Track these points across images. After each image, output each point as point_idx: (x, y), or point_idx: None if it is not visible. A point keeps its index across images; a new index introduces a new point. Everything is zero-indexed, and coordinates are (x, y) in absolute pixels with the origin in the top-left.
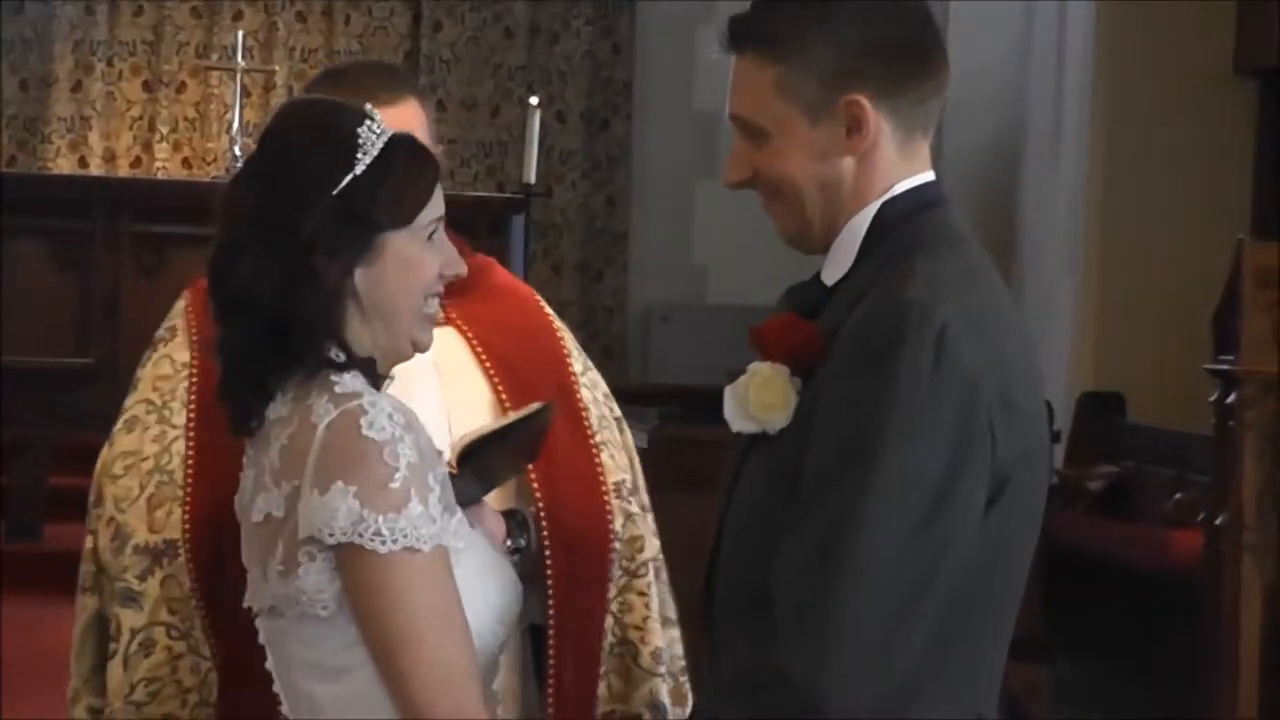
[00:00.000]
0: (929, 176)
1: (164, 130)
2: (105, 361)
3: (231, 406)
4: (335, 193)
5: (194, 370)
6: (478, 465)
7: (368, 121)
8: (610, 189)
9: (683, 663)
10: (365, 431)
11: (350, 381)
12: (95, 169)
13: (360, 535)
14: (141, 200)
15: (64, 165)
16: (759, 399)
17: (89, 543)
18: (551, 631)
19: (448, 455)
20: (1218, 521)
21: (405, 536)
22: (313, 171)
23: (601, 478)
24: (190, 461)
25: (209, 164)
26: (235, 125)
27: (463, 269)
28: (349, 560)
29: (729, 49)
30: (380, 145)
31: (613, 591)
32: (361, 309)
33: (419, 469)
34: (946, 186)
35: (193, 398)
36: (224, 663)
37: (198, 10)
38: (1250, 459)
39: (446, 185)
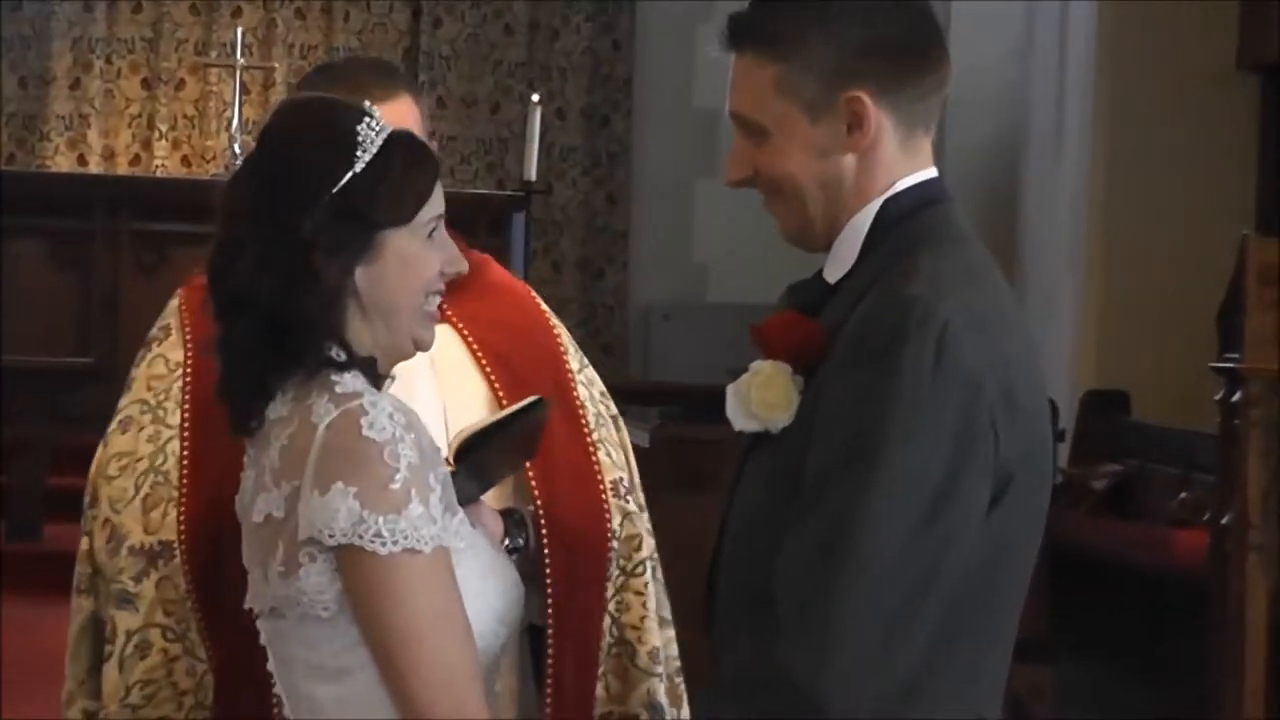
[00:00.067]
0: (931, 173)
1: (163, 128)
2: (105, 361)
3: (231, 406)
4: (335, 190)
5: (188, 369)
6: (474, 463)
7: (367, 119)
8: (611, 186)
9: (678, 663)
10: (366, 432)
11: (351, 381)
12: (94, 167)
13: (360, 536)
14: (141, 198)
15: (63, 163)
16: (761, 397)
17: (84, 544)
18: (550, 632)
19: (444, 453)
20: (1223, 521)
21: (406, 538)
22: (312, 169)
23: (599, 476)
24: (185, 462)
25: (208, 162)
26: (234, 123)
27: (464, 267)
28: (349, 561)
29: (728, 47)
30: (380, 143)
31: (610, 591)
32: (362, 307)
33: (420, 469)
34: (948, 185)
35: (187, 397)
36: (220, 665)
37: (196, 7)
38: (1255, 457)
39: (446, 182)
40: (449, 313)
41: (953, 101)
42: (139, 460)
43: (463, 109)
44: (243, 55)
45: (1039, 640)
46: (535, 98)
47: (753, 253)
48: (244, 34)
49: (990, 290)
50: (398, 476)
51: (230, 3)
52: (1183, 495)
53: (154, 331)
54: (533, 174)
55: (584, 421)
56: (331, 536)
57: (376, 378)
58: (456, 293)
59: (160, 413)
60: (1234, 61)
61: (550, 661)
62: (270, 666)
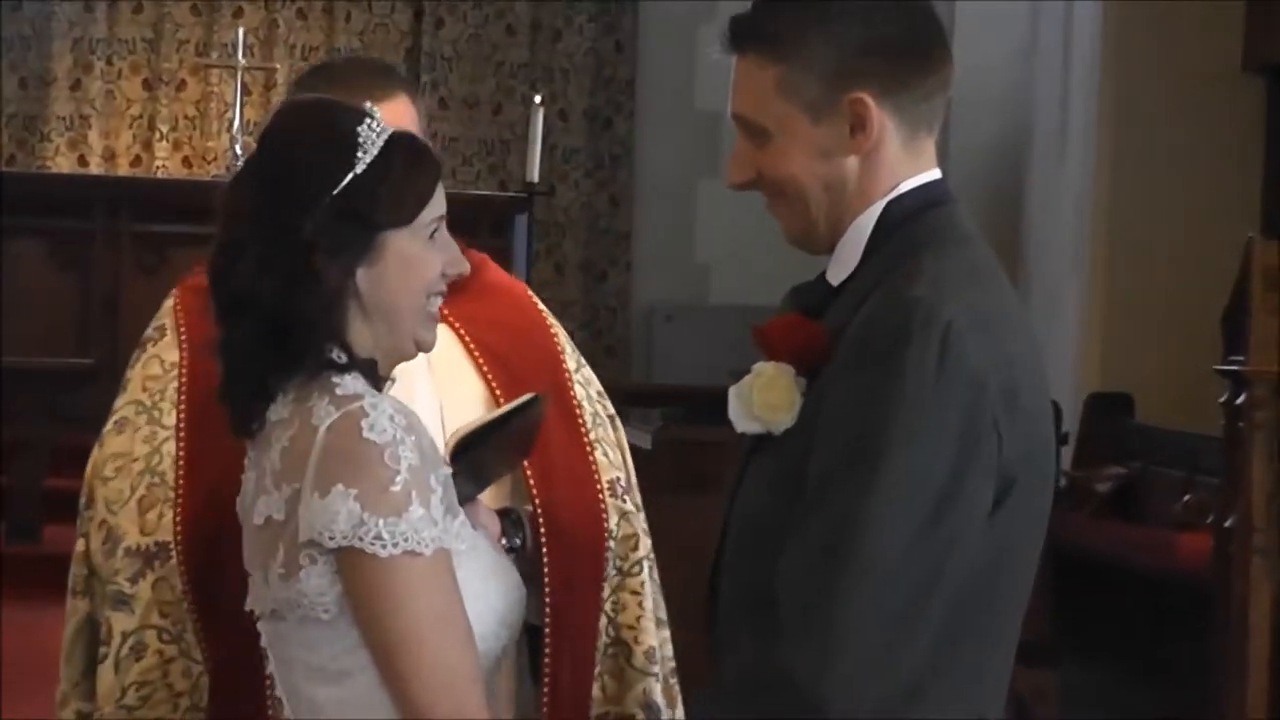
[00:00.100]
0: (935, 174)
1: (164, 129)
2: (105, 361)
3: (232, 408)
4: (336, 192)
5: (183, 370)
6: (471, 461)
7: (368, 120)
8: (613, 188)
9: (673, 664)
10: (366, 434)
11: (351, 383)
12: (95, 168)
13: (361, 539)
14: (141, 199)
15: (63, 164)
16: (763, 399)
17: (80, 546)
18: (548, 632)
19: (441, 452)
20: (1227, 523)
21: (406, 540)
22: (313, 171)
23: (596, 475)
24: (181, 462)
25: (209, 163)
26: (236, 124)
27: (465, 268)
28: (349, 564)
29: (730, 49)
30: (381, 144)
31: (606, 591)
32: (364, 309)
33: (420, 471)
34: (952, 186)
35: (183, 398)
36: (216, 666)
37: (197, 8)
38: (1260, 460)
39: (448, 184)
40: (446, 313)
41: (957, 102)
42: (135, 461)
43: (465, 110)
44: (244, 56)
45: (1042, 642)
46: (537, 99)
47: (755, 254)
48: (245, 35)
49: (994, 291)
50: (398, 479)
51: (231, 3)
52: (1187, 498)
53: (149, 332)
54: (535, 175)
55: (581, 421)
56: (332, 539)
57: (377, 379)
58: (454, 293)
59: (156, 413)
60: (1239, 63)
61: (547, 661)
62: (271, 669)
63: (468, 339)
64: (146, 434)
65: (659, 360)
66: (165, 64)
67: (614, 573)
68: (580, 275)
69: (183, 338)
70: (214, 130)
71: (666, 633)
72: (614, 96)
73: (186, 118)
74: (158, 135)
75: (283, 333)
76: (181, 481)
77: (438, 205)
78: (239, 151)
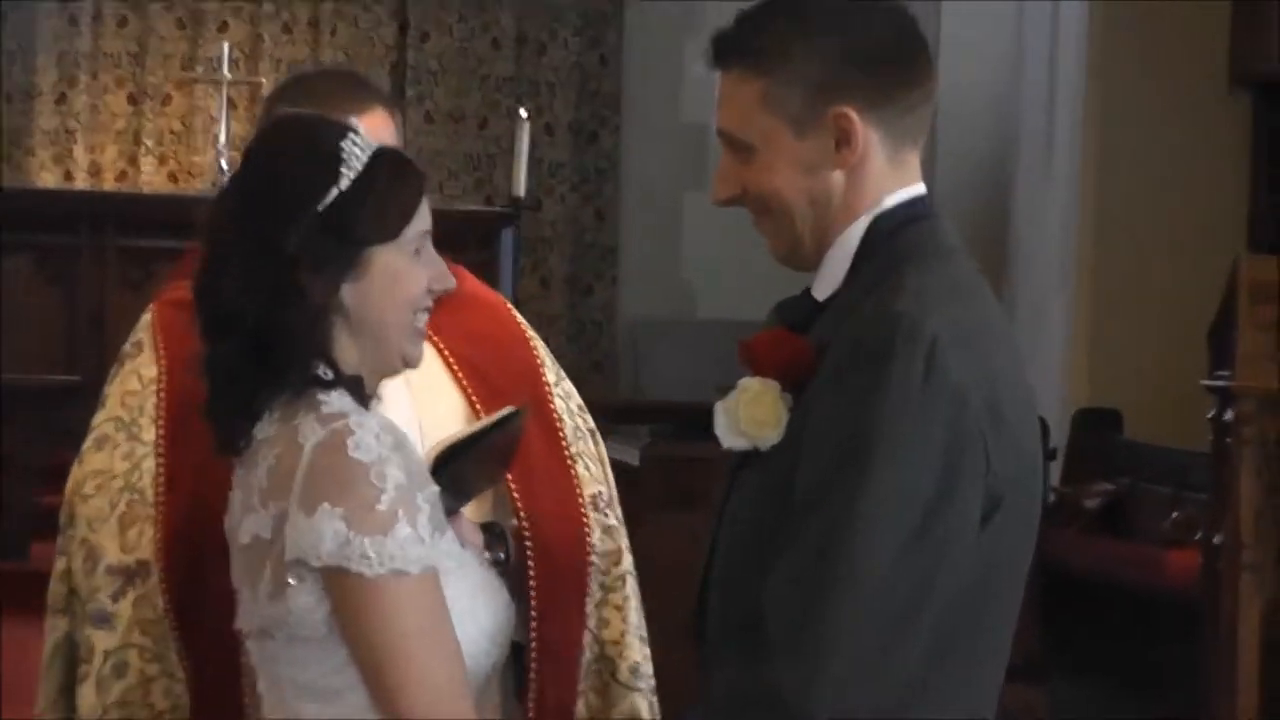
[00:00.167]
0: (919, 189)
1: (149, 143)
2: (91, 378)
3: (218, 426)
4: (320, 208)
5: (162, 385)
6: (452, 476)
7: (351, 136)
8: (599, 202)
9: (653, 681)
10: (352, 453)
11: (337, 400)
12: (80, 183)
13: (347, 558)
14: (127, 214)
15: (48, 179)
16: (750, 415)
17: (61, 564)
18: (533, 648)
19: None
20: (1215, 540)
21: (393, 559)
22: (297, 187)
23: (578, 490)
24: (161, 479)
25: (195, 177)
26: (221, 138)
27: (452, 283)
28: (336, 583)
29: (714, 64)
30: (365, 160)
31: (590, 607)
32: (350, 325)
33: (407, 489)
34: (939, 198)
35: (162, 413)
36: (197, 685)
37: (183, 22)
38: (1248, 476)
39: (434, 198)
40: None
41: (943, 114)
42: (114, 478)
43: (450, 124)
44: (229, 70)
45: (1031, 659)
46: (523, 113)
47: (742, 268)
48: (230, 49)
49: (977, 305)
50: (384, 497)
51: (216, 18)
52: (1175, 514)
53: (127, 347)
54: (521, 189)
55: (561, 435)
56: (318, 558)
57: (363, 396)
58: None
59: (135, 429)
60: (1226, 76)
61: (532, 678)
62: (260, 688)
63: (446, 352)
64: (126, 450)
65: (646, 375)
66: (150, 78)
67: (597, 588)
68: (566, 290)
69: (161, 353)
70: (199, 145)
71: (648, 650)
72: (599, 110)
73: (172, 132)
74: (143, 150)
75: (268, 349)
76: (162, 498)
77: (423, 220)
78: (225, 166)
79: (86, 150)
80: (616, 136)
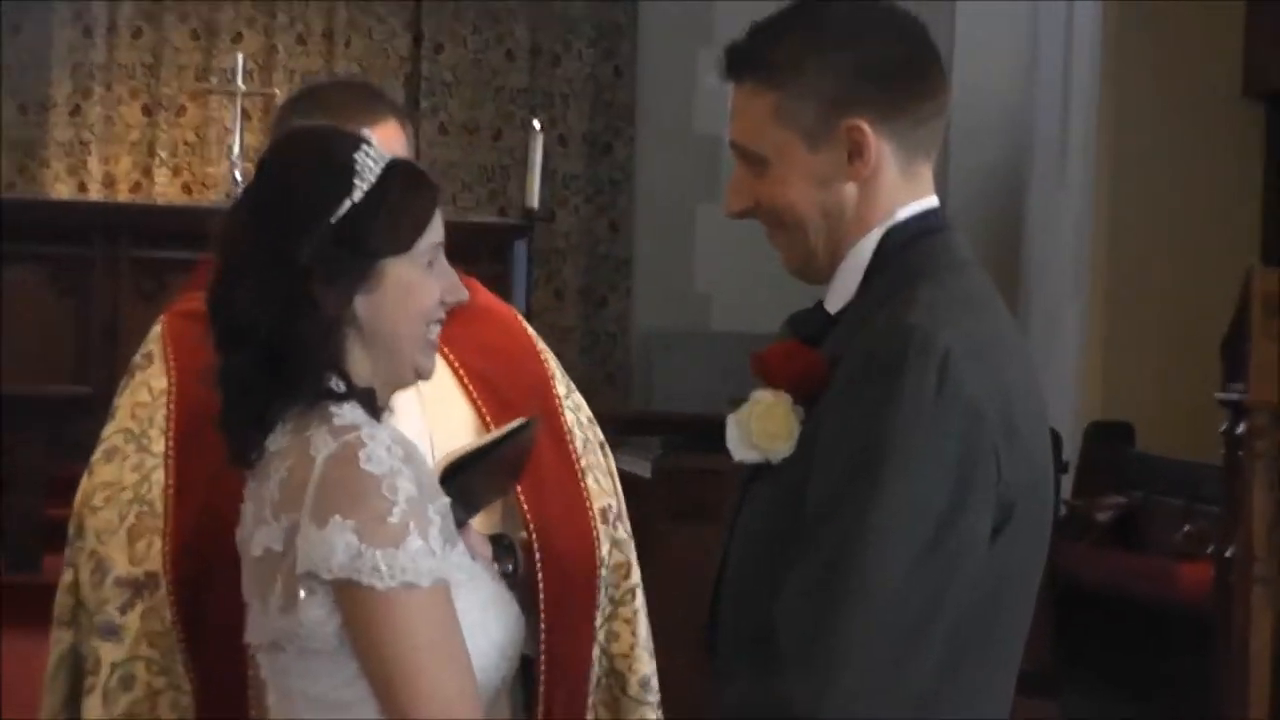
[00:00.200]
0: (932, 201)
1: (163, 154)
2: (104, 390)
3: (230, 438)
4: (333, 219)
5: (172, 397)
6: (461, 487)
7: (365, 148)
8: (613, 214)
9: (658, 695)
10: (364, 465)
11: (349, 413)
12: (94, 194)
13: (359, 571)
14: (141, 226)
15: (63, 190)
16: (762, 428)
17: (68, 576)
18: (542, 661)
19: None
20: (1227, 553)
21: (404, 572)
22: (310, 199)
23: (587, 502)
24: (170, 491)
25: (209, 189)
26: (235, 149)
27: (464, 295)
28: (347, 596)
29: (727, 77)
30: (378, 172)
31: (599, 620)
32: (363, 337)
33: (419, 502)
34: (952, 210)
35: (171, 425)
36: (203, 698)
37: (197, 33)
38: (1260, 489)
39: (448, 210)
40: None
41: (957, 126)
42: (124, 490)
43: (464, 135)
44: (243, 81)
45: (1043, 672)
46: (537, 124)
47: (756, 280)
48: (245, 60)
49: (990, 318)
50: (396, 510)
51: (231, 28)
52: (1187, 527)
53: (137, 359)
54: (535, 201)
55: (572, 448)
56: (329, 570)
57: (375, 409)
58: None
59: (144, 441)
60: (1240, 89)
61: (542, 692)
62: (270, 701)
63: (456, 364)
64: (135, 462)
65: (659, 388)
66: (165, 89)
67: (606, 602)
68: (580, 301)
69: (171, 364)
70: (213, 156)
71: (654, 664)
72: (613, 122)
73: (186, 143)
74: (157, 161)
75: (281, 360)
76: (171, 510)
77: (435, 232)
78: (238, 177)
79: (101, 161)
80: (630, 148)
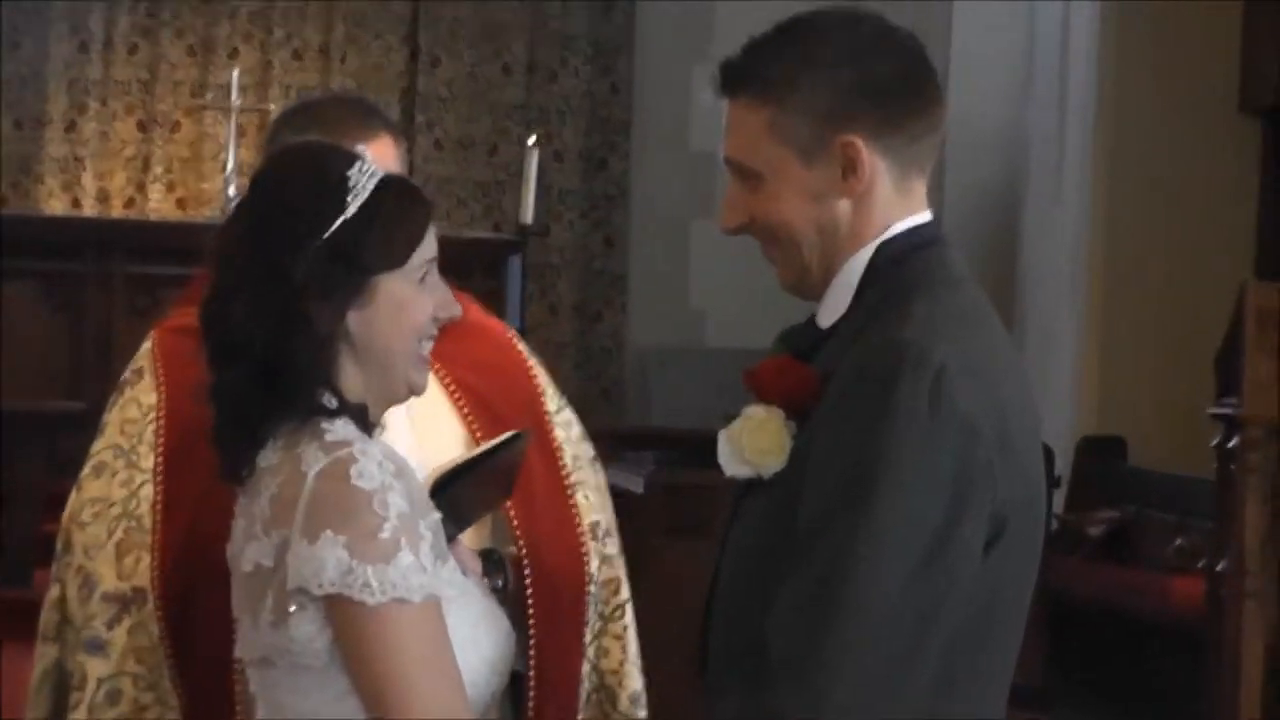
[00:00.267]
0: (926, 216)
1: (158, 170)
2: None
3: (222, 454)
4: (326, 235)
5: (161, 413)
6: (451, 501)
7: (358, 164)
8: (608, 229)
9: (647, 711)
10: (355, 481)
11: (341, 429)
12: (89, 209)
13: (349, 586)
14: (135, 241)
15: (57, 206)
16: (753, 443)
17: (55, 591)
18: (532, 677)
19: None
20: (1219, 567)
21: (395, 587)
22: (303, 215)
23: (577, 518)
24: (158, 506)
25: (204, 204)
26: (230, 165)
27: (457, 311)
28: (338, 611)
29: (722, 93)
30: (371, 187)
31: (588, 636)
32: (355, 352)
33: (410, 518)
34: (948, 226)
35: (160, 441)
36: (190, 714)
37: (193, 49)
38: (1253, 504)
39: (442, 224)
40: None
41: (952, 142)
42: (112, 506)
43: (460, 151)
44: (238, 98)
45: (1036, 686)
46: (533, 140)
47: (751, 297)
48: (240, 76)
49: (984, 334)
50: (387, 525)
51: (227, 45)
52: (1179, 541)
53: (126, 375)
54: (530, 217)
55: (561, 463)
56: (320, 586)
57: (367, 425)
58: None
59: (133, 457)
60: (1235, 104)
61: (532, 707)
62: (259, 716)
63: (447, 379)
64: (124, 478)
65: (655, 403)
66: (160, 105)
67: (596, 618)
68: (575, 317)
69: (161, 380)
70: (208, 172)
71: (642, 678)
72: (609, 137)
73: (181, 159)
74: (152, 177)
75: (274, 376)
76: (159, 526)
77: (429, 248)
78: (233, 193)
79: (95, 177)
80: (626, 164)
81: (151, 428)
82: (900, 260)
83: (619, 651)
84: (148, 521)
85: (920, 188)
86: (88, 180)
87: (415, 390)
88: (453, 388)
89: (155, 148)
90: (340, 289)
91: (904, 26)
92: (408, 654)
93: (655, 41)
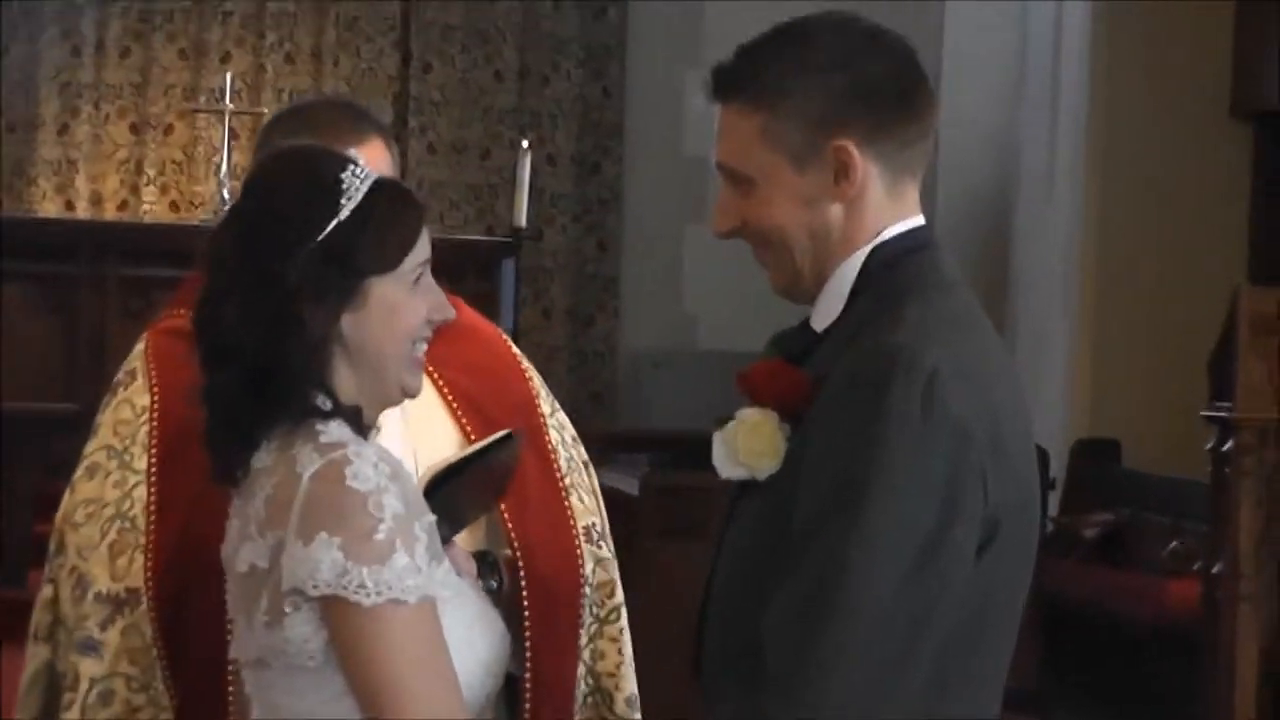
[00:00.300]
0: (918, 220)
1: (151, 173)
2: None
3: (216, 455)
4: (319, 238)
5: (154, 414)
6: (445, 502)
7: (351, 167)
8: (601, 233)
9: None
10: (350, 482)
11: (336, 430)
12: (82, 212)
13: (344, 587)
14: (128, 244)
15: (50, 208)
16: (747, 445)
17: (48, 592)
18: (528, 679)
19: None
20: (1214, 570)
21: (390, 589)
22: (296, 218)
23: (571, 521)
24: (152, 507)
25: (196, 207)
26: (223, 168)
27: (451, 314)
28: (333, 612)
29: (714, 98)
30: (364, 190)
31: (584, 639)
32: (349, 355)
33: (405, 519)
34: (941, 230)
35: (154, 442)
36: (183, 715)
37: (185, 52)
38: (1247, 506)
39: (435, 228)
40: None
41: (944, 146)
42: (105, 506)
43: (453, 155)
44: (231, 100)
45: (1030, 689)
46: (525, 144)
47: (743, 300)
48: (233, 79)
49: (977, 338)
50: (382, 527)
51: (219, 48)
52: (1174, 544)
53: (119, 376)
54: (523, 220)
55: (556, 466)
56: (315, 587)
57: (362, 427)
58: None
59: (127, 458)
60: (1227, 108)
61: (527, 709)
62: (255, 717)
63: (441, 383)
64: (117, 479)
65: (647, 406)
66: (152, 108)
67: (591, 620)
68: (567, 320)
69: (154, 382)
70: (201, 174)
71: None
72: (602, 141)
73: (174, 162)
74: (145, 179)
75: (267, 379)
76: (153, 527)
77: (422, 251)
78: (226, 196)
79: (88, 180)
80: (619, 168)
81: (145, 429)
82: (892, 264)
83: (615, 654)
84: (141, 522)
85: (912, 192)
86: (81, 183)
87: (409, 393)
88: (447, 390)
89: (148, 151)
90: (333, 292)
91: (895, 30)
92: (403, 655)
93: (647, 46)
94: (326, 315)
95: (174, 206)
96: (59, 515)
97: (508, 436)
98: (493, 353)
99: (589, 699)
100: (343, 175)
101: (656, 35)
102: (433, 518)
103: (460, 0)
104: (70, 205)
